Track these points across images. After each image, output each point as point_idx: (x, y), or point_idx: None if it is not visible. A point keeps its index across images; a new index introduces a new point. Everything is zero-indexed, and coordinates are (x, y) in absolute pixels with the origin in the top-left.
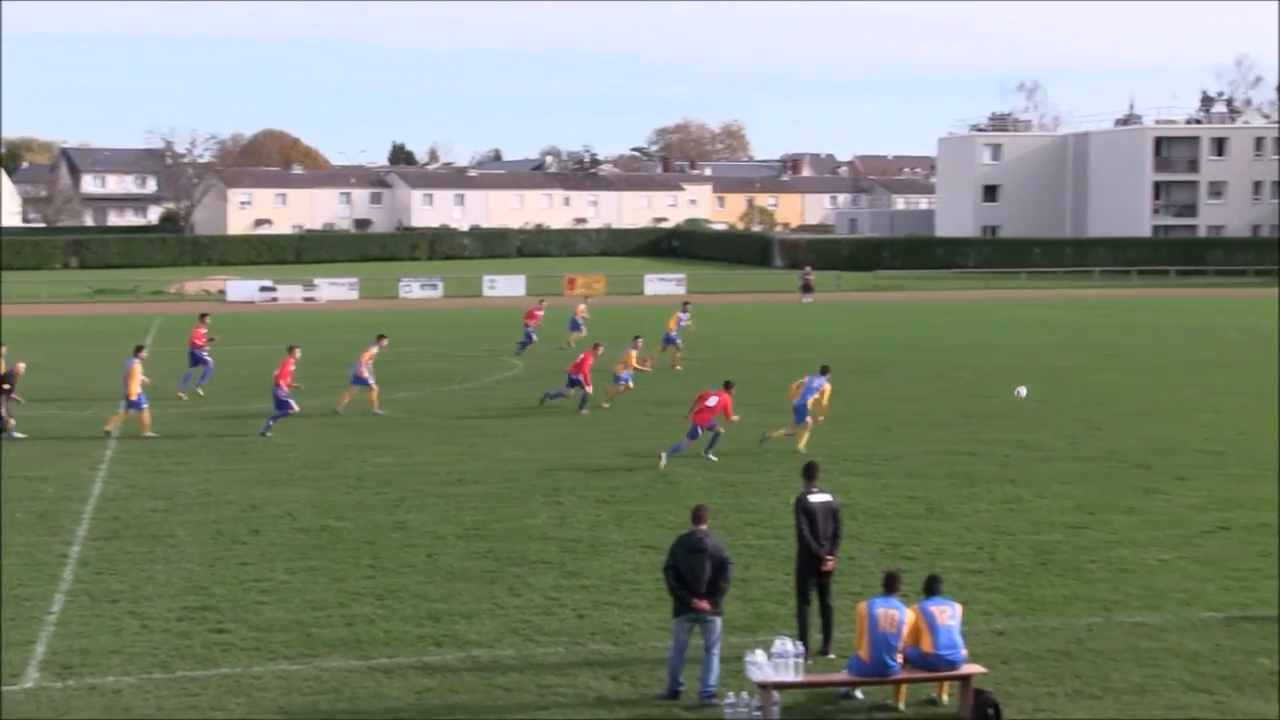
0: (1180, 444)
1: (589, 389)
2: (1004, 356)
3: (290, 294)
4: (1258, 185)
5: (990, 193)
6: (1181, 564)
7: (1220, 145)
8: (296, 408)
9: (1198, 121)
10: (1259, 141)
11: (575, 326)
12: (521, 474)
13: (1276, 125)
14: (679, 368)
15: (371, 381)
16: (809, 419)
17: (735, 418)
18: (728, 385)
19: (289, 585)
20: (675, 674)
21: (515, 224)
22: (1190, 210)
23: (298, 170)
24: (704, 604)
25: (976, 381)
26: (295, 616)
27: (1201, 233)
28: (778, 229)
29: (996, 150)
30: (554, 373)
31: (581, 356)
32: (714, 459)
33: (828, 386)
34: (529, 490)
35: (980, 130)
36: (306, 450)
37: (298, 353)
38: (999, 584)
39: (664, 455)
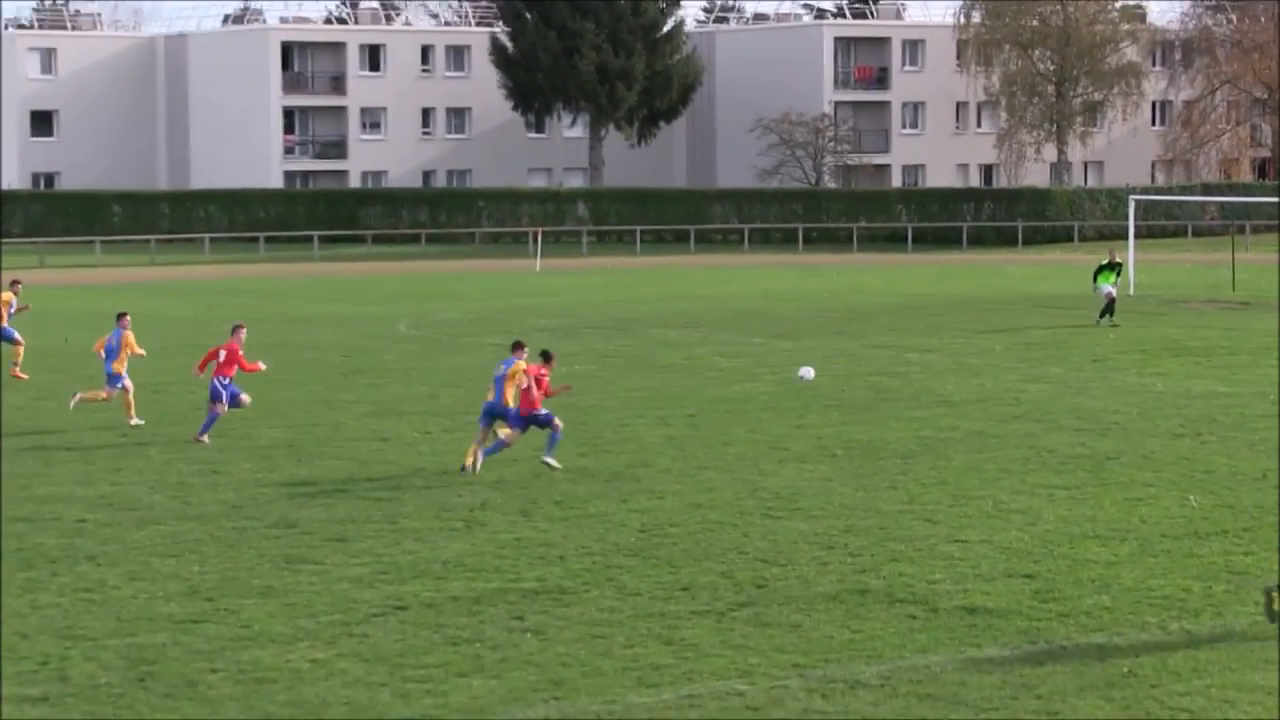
0: (335, 487)
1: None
2: (61, 365)
3: None
4: (427, 114)
5: (43, 123)
6: (342, 664)
7: (375, 56)
8: None
9: (341, 22)
10: (426, 51)
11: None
12: None
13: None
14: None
15: None
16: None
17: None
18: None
19: None
20: None
21: None
22: (340, 149)
23: None
24: None
25: (30, 409)
26: None
27: (356, 181)
28: None
29: (49, 58)
30: None
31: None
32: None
33: (520, 363)
34: None
35: (24, 28)
36: None
37: None
38: (74, 714)
39: (480, 455)
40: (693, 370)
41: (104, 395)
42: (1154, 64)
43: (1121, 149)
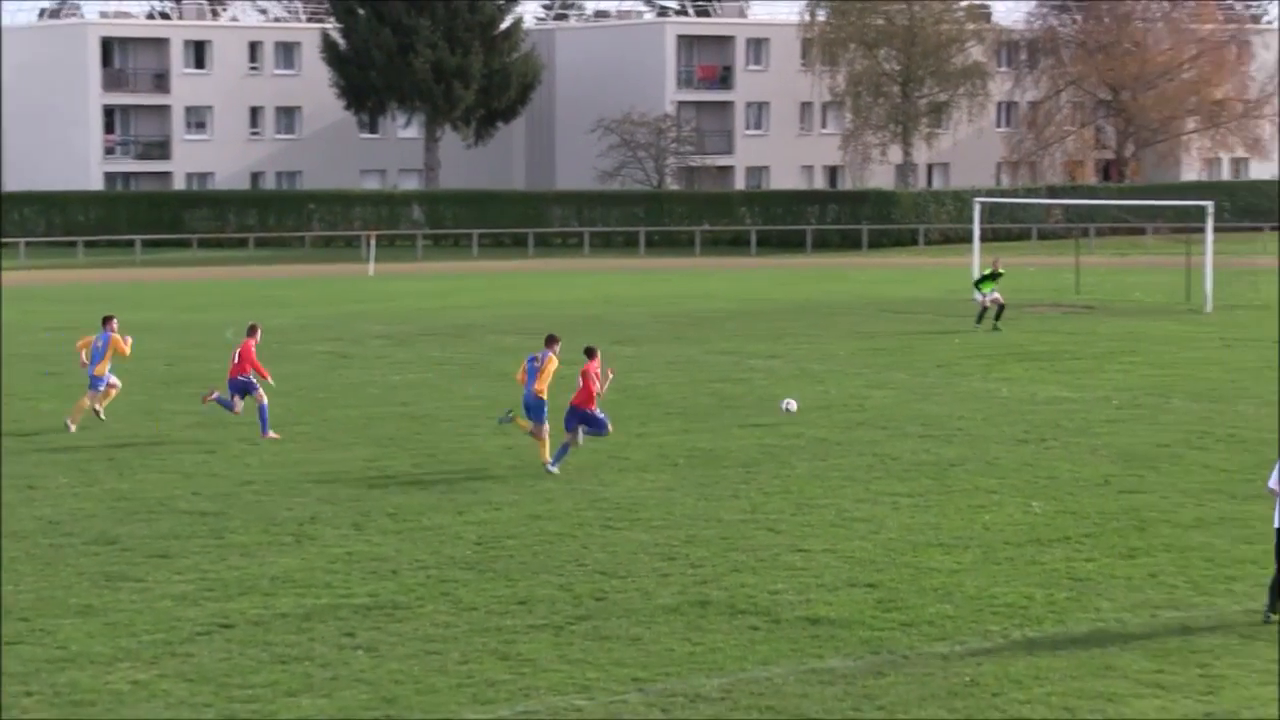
0: (158, 502)
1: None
2: None
3: None
4: (255, 113)
5: None
6: (165, 685)
7: (200, 52)
8: None
9: (164, 17)
10: (254, 48)
11: None
12: None
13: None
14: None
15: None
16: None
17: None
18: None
19: None
20: None
21: None
22: (163, 149)
23: None
24: None
25: None
26: None
27: (181, 183)
28: None
29: None
30: None
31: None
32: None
33: (552, 357)
34: None
35: None
36: None
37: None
38: None
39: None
40: None
41: (87, 402)
42: (1000, 64)
43: (967, 151)
